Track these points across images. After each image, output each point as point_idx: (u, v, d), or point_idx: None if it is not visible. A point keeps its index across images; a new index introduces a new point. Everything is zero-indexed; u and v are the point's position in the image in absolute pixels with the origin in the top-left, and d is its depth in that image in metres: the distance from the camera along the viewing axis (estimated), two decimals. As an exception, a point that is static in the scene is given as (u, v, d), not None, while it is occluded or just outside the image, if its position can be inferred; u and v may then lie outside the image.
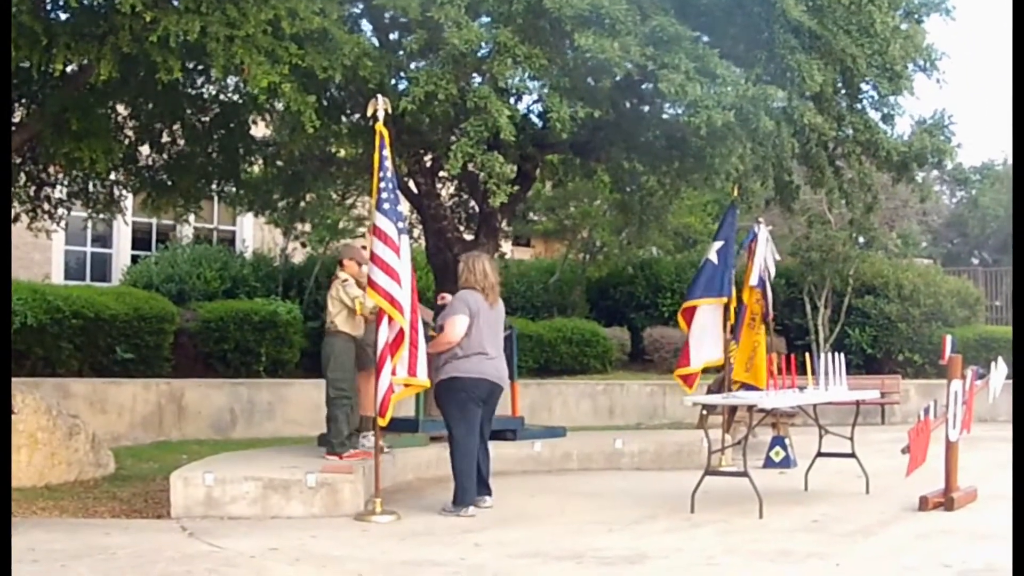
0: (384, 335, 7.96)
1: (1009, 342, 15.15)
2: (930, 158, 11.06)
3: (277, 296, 15.47)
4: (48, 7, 8.53)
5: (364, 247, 9.27)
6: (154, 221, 17.55)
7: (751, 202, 12.02)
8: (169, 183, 11.47)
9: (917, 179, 11.93)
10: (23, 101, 10.06)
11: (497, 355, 8.50)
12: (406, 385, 8.12)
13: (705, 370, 11.05)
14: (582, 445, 11.12)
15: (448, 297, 8.88)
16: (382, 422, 8.17)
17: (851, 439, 9.30)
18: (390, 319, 7.95)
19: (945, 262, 24.49)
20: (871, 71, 10.24)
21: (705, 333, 10.80)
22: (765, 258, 11.01)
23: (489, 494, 8.56)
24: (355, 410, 9.30)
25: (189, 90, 10.49)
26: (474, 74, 9.26)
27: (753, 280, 10.89)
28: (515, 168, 11.10)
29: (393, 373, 7.96)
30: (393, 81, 9.71)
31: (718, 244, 10.88)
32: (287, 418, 13.47)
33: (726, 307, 10.86)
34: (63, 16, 8.48)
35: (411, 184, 11.41)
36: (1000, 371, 9.10)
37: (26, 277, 14.62)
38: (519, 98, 10.22)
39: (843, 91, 10.64)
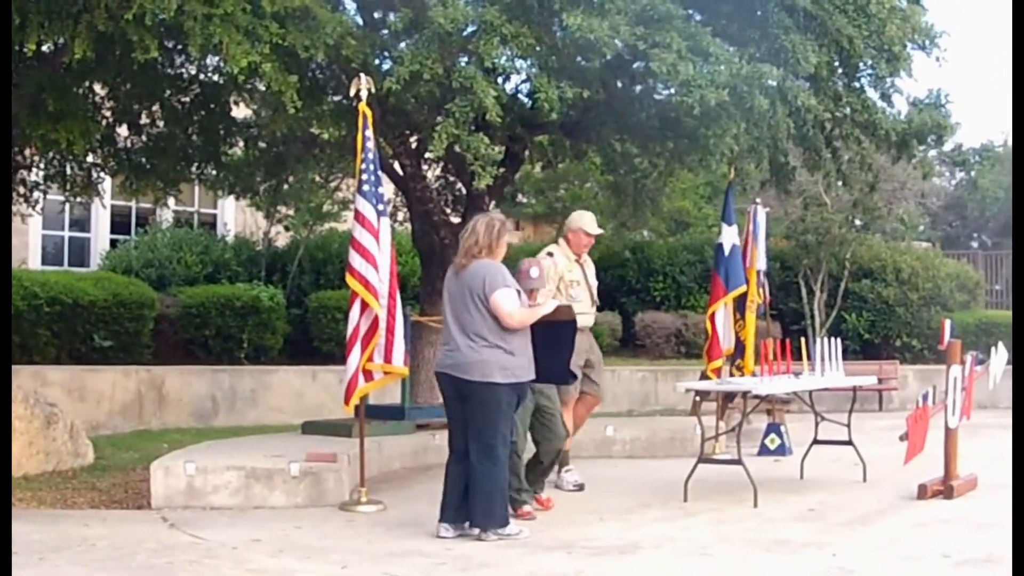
0: (354, 320, 7.82)
1: (1009, 327, 14.98)
2: (930, 134, 10.93)
3: (260, 281, 15.30)
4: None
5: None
6: (133, 204, 17.38)
7: (746, 184, 11.83)
8: (148, 165, 11.29)
9: (917, 154, 11.76)
10: (-2, 81, 9.87)
11: (451, 338, 6.83)
12: (386, 373, 7.96)
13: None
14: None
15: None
16: (347, 409, 8.02)
17: (848, 426, 9.16)
18: (364, 305, 7.79)
19: (944, 245, 24.26)
20: (868, 52, 10.08)
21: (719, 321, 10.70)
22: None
23: (464, 521, 6.86)
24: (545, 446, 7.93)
25: (168, 70, 10.32)
26: (460, 54, 9.08)
27: (760, 264, 10.76)
28: (503, 150, 10.95)
29: (370, 359, 7.82)
30: (377, 61, 9.55)
31: (734, 228, 10.71)
32: (270, 406, 13.32)
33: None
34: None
35: (396, 166, 11.25)
36: (1000, 357, 8.99)
37: (3, 262, 14.46)
38: (507, 78, 10.07)
39: (840, 71, 10.48)
